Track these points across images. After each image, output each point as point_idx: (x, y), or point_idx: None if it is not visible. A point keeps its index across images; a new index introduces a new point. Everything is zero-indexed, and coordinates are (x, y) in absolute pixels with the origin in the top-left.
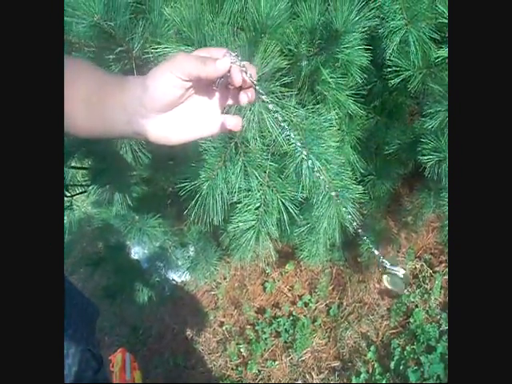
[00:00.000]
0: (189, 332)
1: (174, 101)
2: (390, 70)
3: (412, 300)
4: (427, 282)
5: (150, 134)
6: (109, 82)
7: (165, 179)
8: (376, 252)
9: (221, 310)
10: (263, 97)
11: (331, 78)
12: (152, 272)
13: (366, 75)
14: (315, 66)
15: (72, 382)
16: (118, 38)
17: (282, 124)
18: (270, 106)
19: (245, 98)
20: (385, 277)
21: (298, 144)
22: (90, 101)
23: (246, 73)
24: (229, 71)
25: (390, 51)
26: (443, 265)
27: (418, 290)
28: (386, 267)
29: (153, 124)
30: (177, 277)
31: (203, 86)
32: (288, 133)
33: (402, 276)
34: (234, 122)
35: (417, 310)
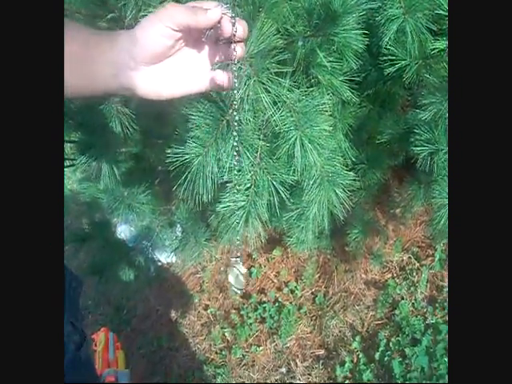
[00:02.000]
0: (173, 314)
1: (164, 52)
2: (385, 58)
3: (398, 292)
4: (414, 274)
5: (139, 87)
6: (96, 38)
7: (154, 156)
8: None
9: (206, 293)
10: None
11: (327, 61)
12: (138, 252)
13: (361, 62)
14: (311, 48)
15: None
16: (109, 4)
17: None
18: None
19: (239, 50)
20: (229, 272)
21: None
22: (76, 58)
23: (236, 20)
24: (219, 22)
25: (387, 39)
26: (430, 258)
27: (405, 283)
28: (232, 262)
29: (142, 76)
30: (163, 258)
31: (193, 39)
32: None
33: (243, 273)
34: (224, 77)
35: (403, 302)
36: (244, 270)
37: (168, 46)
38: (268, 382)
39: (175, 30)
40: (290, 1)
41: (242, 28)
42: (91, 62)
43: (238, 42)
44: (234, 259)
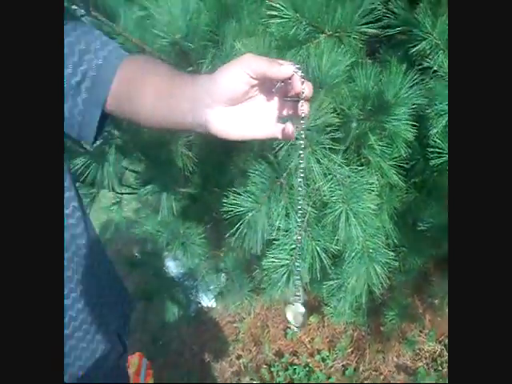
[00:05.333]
0: (206, 356)
1: (239, 96)
2: (432, 150)
3: (427, 382)
4: (445, 366)
5: (211, 123)
6: (181, 76)
7: (210, 201)
8: (298, 283)
9: (241, 343)
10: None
11: (377, 145)
12: (182, 289)
13: (410, 150)
14: (363, 131)
15: (98, 358)
16: (191, 59)
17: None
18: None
19: (305, 108)
20: (287, 309)
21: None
22: (160, 92)
23: (305, 79)
24: (290, 78)
25: (435, 132)
26: None
27: (435, 373)
28: (290, 300)
29: (215, 114)
30: (204, 301)
31: (265, 89)
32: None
33: (302, 313)
34: (292, 130)
35: None
36: (303, 310)
37: (243, 91)
38: None
39: (252, 76)
40: (349, 83)
41: (308, 88)
42: (173, 97)
43: (304, 99)
44: (294, 297)
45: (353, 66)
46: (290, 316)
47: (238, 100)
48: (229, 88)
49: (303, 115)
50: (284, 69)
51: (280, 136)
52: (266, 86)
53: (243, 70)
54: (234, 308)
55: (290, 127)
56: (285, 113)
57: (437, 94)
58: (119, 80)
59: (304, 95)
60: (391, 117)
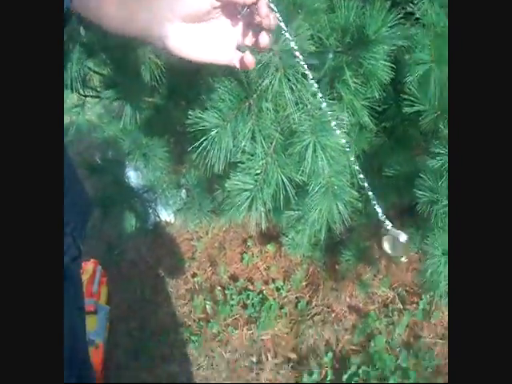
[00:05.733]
0: (161, 270)
1: (200, 14)
2: (406, 97)
3: (377, 326)
4: (395, 314)
5: (170, 39)
6: None
7: (175, 114)
8: (379, 211)
9: (196, 261)
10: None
11: (352, 81)
12: (141, 200)
13: (384, 94)
14: (339, 64)
15: None
16: None
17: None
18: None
19: (265, 38)
20: (385, 239)
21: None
22: (126, 1)
23: (272, 9)
24: (256, 4)
25: (411, 79)
26: (414, 306)
27: (385, 319)
28: (387, 229)
29: (175, 30)
30: (163, 215)
31: (230, 13)
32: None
33: (404, 241)
34: (252, 60)
35: (379, 336)
36: (404, 237)
37: (204, 10)
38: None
39: None
40: (329, 13)
41: (274, 19)
42: (136, 4)
43: (266, 30)
44: (387, 227)
45: None
46: (387, 248)
47: (198, 18)
48: (190, 3)
49: (262, 46)
50: None
51: (238, 65)
52: (232, 9)
53: None
54: (193, 226)
55: (249, 57)
56: (246, 41)
57: (417, 41)
58: None
59: (266, 24)
60: (369, 53)
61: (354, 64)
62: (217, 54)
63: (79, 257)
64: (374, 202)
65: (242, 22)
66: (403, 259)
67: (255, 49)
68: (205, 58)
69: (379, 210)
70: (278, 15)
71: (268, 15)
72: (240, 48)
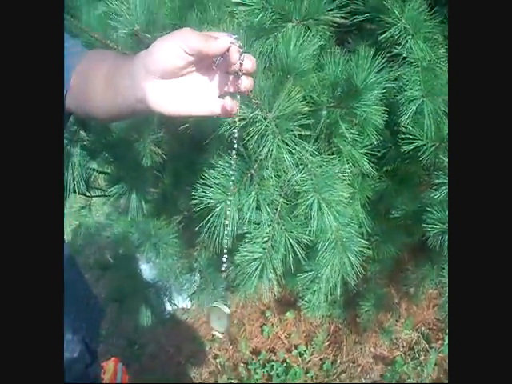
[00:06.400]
0: (183, 357)
1: (175, 70)
2: (403, 136)
3: (405, 370)
4: (422, 354)
5: (148, 97)
6: (124, 56)
7: (181, 200)
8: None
9: (217, 342)
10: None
11: (348, 133)
12: (155, 291)
13: (381, 138)
14: (334, 119)
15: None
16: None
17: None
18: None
19: (245, 82)
20: (211, 314)
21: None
22: (107, 77)
23: (245, 52)
24: (228, 51)
25: (406, 118)
26: (440, 342)
27: (412, 362)
28: (212, 304)
29: (152, 88)
30: (179, 302)
31: (205, 65)
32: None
33: (227, 313)
34: (233, 104)
35: (408, 381)
36: (228, 311)
37: (179, 66)
38: None
39: (187, 52)
40: (318, 71)
41: (250, 62)
42: (117, 77)
43: (245, 74)
44: (218, 301)
45: (321, 54)
46: (213, 320)
47: (174, 74)
48: (163, 61)
49: (244, 90)
50: (220, 42)
51: (219, 112)
52: (207, 61)
53: (178, 44)
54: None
55: (228, 103)
56: (226, 89)
57: (406, 79)
58: (75, 77)
59: (244, 68)
60: (361, 102)
61: (347, 115)
62: (198, 105)
63: (94, 361)
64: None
65: (219, 71)
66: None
67: (238, 95)
68: (186, 112)
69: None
70: (251, 56)
71: (243, 59)
72: (222, 96)
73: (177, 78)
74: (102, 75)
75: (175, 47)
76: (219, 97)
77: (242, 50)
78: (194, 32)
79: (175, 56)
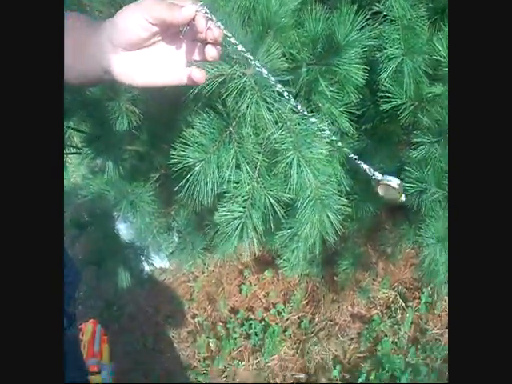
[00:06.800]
0: (161, 317)
1: (140, 41)
2: (382, 95)
3: (382, 328)
4: (399, 313)
5: (115, 69)
6: (92, 25)
7: (159, 158)
8: (365, 166)
9: (195, 302)
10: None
11: (328, 90)
12: (133, 251)
13: (361, 96)
14: (314, 76)
15: None
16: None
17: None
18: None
19: (212, 50)
20: (379, 187)
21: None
22: (75, 49)
23: (212, 20)
24: (194, 19)
25: (385, 76)
26: (416, 301)
27: (389, 320)
28: (378, 180)
29: (119, 60)
30: (157, 261)
31: (171, 34)
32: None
33: (397, 186)
34: (199, 75)
35: (385, 339)
36: (397, 181)
37: (144, 37)
38: None
39: (151, 23)
40: (297, 28)
41: (217, 30)
42: (84, 46)
43: (213, 43)
44: (381, 177)
45: (302, 10)
46: (383, 194)
47: (139, 45)
48: (127, 33)
49: (211, 59)
50: (185, 11)
51: (187, 81)
52: (173, 29)
53: (142, 15)
54: (188, 267)
55: (196, 73)
56: (194, 57)
57: (386, 37)
58: None
59: (211, 36)
60: (342, 59)
61: (327, 73)
62: (166, 75)
63: (72, 324)
64: (360, 162)
65: (186, 39)
66: (402, 198)
67: (205, 63)
68: (154, 82)
69: (365, 165)
70: (219, 24)
71: (209, 28)
72: (189, 65)
73: (143, 49)
74: (71, 40)
75: (139, 18)
76: (187, 65)
77: (208, 17)
78: (158, 1)
79: (139, 27)
